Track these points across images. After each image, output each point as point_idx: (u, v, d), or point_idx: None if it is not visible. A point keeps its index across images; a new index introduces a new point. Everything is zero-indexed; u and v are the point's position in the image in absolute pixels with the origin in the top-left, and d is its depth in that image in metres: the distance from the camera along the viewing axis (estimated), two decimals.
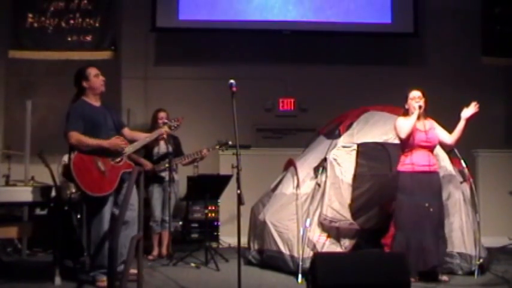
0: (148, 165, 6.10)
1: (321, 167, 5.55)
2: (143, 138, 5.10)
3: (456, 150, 5.66)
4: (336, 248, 5.29)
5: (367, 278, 4.24)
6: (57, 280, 4.86)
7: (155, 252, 6.30)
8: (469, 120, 5.06)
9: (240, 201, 4.22)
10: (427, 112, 5.17)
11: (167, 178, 6.13)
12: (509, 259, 6.06)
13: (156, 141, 5.43)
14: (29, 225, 5.55)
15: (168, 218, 6.15)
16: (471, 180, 5.70)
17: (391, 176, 5.36)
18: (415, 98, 5.10)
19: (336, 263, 4.36)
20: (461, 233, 5.29)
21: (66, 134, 4.75)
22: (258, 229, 5.82)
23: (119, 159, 4.86)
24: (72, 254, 5.47)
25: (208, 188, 6.15)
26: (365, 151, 5.64)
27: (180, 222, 7.31)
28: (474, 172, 7.00)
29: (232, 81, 4.40)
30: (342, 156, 5.61)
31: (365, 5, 8.30)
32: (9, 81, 8.05)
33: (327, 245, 5.29)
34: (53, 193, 5.32)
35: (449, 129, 5.20)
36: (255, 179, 6.49)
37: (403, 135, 5.03)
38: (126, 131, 5.12)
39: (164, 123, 5.49)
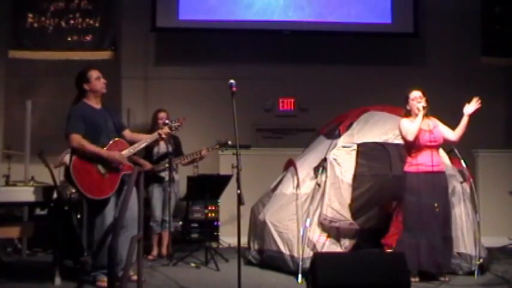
0: (147, 165, 6.09)
1: (321, 167, 5.55)
2: (143, 139, 5.09)
3: (456, 150, 5.66)
4: (336, 248, 5.29)
5: (367, 278, 4.24)
6: (57, 280, 4.86)
7: (155, 252, 6.30)
8: (471, 116, 5.06)
9: (240, 201, 4.22)
10: (429, 111, 5.16)
11: (167, 178, 6.13)
12: (509, 259, 6.06)
13: (156, 141, 5.42)
14: (30, 225, 5.55)
15: (168, 218, 6.15)
16: (471, 180, 5.70)
17: (391, 176, 5.36)
18: (416, 98, 5.09)
19: (336, 263, 4.36)
20: (461, 233, 5.29)
21: (68, 136, 4.75)
22: (258, 229, 5.82)
23: None
24: (72, 254, 5.46)
25: (208, 188, 6.15)
26: (365, 151, 5.64)
27: (180, 222, 7.31)
28: (474, 172, 7.00)
29: (232, 81, 4.40)
30: (342, 156, 5.61)
31: (365, 5, 8.31)
32: (9, 81, 8.05)
33: (327, 245, 5.29)
34: (55, 195, 5.32)
35: (450, 129, 5.21)
36: (255, 179, 6.49)
37: (411, 138, 5.01)
38: (126, 132, 5.11)
39: (165, 124, 5.48)
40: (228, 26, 8.15)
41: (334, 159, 5.56)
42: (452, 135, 5.16)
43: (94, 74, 4.93)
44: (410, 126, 5.03)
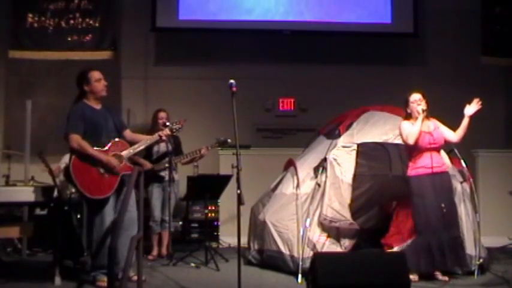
0: (147, 165, 6.09)
1: (321, 167, 5.55)
2: (144, 140, 5.08)
3: (456, 150, 5.66)
4: (336, 248, 5.29)
5: (367, 278, 4.24)
6: (57, 280, 4.86)
7: (155, 252, 6.30)
8: (472, 117, 5.06)
9: (240, 201, 4.22)
10: (429, 112, 5.16)
11: (167, 178, 6.13)
12: (509, 259, 6.06)
13: (156, 142, 5.42)
14: (30, 225, 5.55)
15: (168, 218, 6.15)
16: (471, 180, 5.70)
17: (391, 176, 5.36)
18: (416, 101, 5.09)
19: (336, 263, 4.36)
20: (461, 233, 5.28)
21: (67, 136, 4.74)
22: (258, 229, 5.82)
23: (118, 161, 4.84)
24: (72, 254, 5.46)
25: (208, 188, 6.14)
26: (365, 151, 5.64)
27: (180, 222, 7.31)
28: (474, 172, 7.00)
29: (232, 81, 4.40)
30: (342, 156, 5.61)
31: (365, 5, 8.30)
32: (9, 81, 8.04)
33: (327, 245, 5.29)
34: (55, 193, 5.32)
35: (450, 129, 5.21)
36: (255, 179, 6.49)
37: (412, 142, 5.01)
38: (127, 133, 5.11)
39: (166, 125, 5.47)
40: (228, 26, 8.15)
41: (334, 159, 5.56)
42: (454, 136, 5.16)
43: (95, 75, 4.92)
44: (411, 130, 5.03)
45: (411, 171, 5.08)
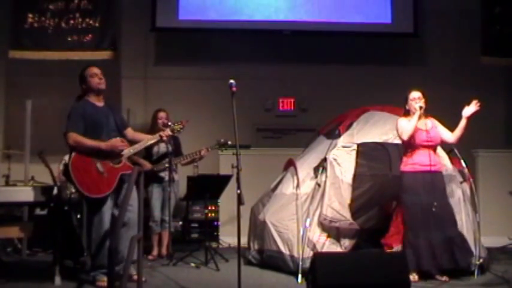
0: (147, 165, 6.10)
1: (320, 167, 5.55)
2: (144, 140, 5.09)
3: (456, 150, 5.66)
4: (336, 248, 5.29)
5: (367, 278, 4.24)
6: (57, 280, 4.86)
7: (155, 252, 6.30)
8: (470, 118, 5.07)
9: (240, 201, 4.22)
10: (428, 111, 5.17)
11: (167, 178, 6.13)
12: (509, 259, 6.06)
13: (156, 142, 5.42)
14: (30, 225, 5.55)
15: (168, 218, 6.15)
16: (471, 180, 5.70)
17: (391, 176, 5.36)
18: (415, 99, 5.11)
19: (336, 263, 4.36)
20: None
21: (66, 134, 4.75)
22: (258, 229, 5.82)
23: (118, 160, 4.85)
24: (72, 254, 5.47)
25: (208, 188, 6.14)
26: (365, 151, 5.64)
27: (180, 222, 7.31)
28: (474, 172, 7.00)
29: (232, 81, 4.40)
30: (342, 156, 5.61)
31: (365, 5, 8.31)
32: (9, 81, 8.05)
33: (327, 245, 5.29)
34: (55, 192, 5.31)
35: (449, 130, 5.20)
36: (255, 179, 6.48)
37: (406, 137, 5.04)
38: (129, 131, 5.10)
39: (166, 126, 5.47)
40: (228, 26, 8.15)
41: (334, 159, 5.56)
42: (451, 137, 5.17)
43: (89, 71, 4.92)
44: (406, 125, 5.05)
45: (404, 167, 5.09)
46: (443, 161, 5.52)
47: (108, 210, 4.78)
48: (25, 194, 5.04)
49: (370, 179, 5.52)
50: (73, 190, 5.81)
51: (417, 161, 5.03)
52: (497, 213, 7.08)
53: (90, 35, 7.93)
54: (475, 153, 7.47)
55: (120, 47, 8.10)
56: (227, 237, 7.08)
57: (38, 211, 6.08)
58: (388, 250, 5.21)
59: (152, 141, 5.16)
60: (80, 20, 7.91)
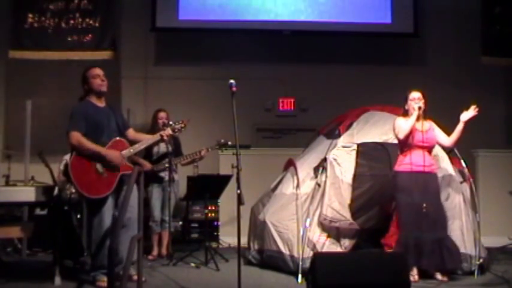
0: (147, 165, 6.09)
1: (321, 167, 5.55)
2: (144, 140, 5.08)
3: (456, 150, 5.66)
4: (336, 248, 5.29)
5: (367, 278, 4.24)
6: (57, 280, 4.85)
7: (155, 252, 6.30)
8: (467, 122, 5.08)
9: (240, 201, 4.22)
10: (427, 113, 5.17)
11: (167, 178, 6.13)
12: (509, 259, 6.06)
13: (156, 142, 5.42)
14: (31, 225, 5.55)
15: (168, 218, 6.15)
16: (471, 180, 5.70)
17: (391, 176, 5.36)
18: (415, 99, 5.11)
19: (336, 263, 4.36)
20: (461, 233, 5.28)
21: (68, 133, 4.75)
22: (258, 229, 5.82)
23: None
24: (72, 254, 5.47)
25: (208, 188, 6.14)
26: (365, 151, 5.65)
27: (180, 222, 7.31)
28: (474, 172, 7.00)
29: (232, 81, 4.40)
30: (342, 156, 5.61)
31: (365, 5, 8.31)
32: (9, 81, 8.05)
33: (327, 245, 5.29)
34: (55, 192, 5.31)
35: (449, 130, 5.21)
36: (255, 179, 6.48)
37: (402, 136, 5.06)
38: (130, 132, 5.10)
39: (167, 125, 5.46)
40: (228, 26, 8.15)
41: (334, 159, 5.56)
42: (447, 140, 5.19)
43: (92, 72, 4.93)
44: (403, 124, 5.06)
45: (399, 167, 5.10)
46: (442, 161, 5.52)
47: (108, 210, 4.78)
48: (25, 194, 5.04)
49: (370, 179, 5.53)
50: (73, 190, 5.81)
51: (411, 161, 5.04)
52: (497, 213, 7.09)
53: (90, 35, 7.94)
54: (475, 153, 7.47)
55: (120, 47, 8.10)
56: (227, 237, 7.08)
57: (38, 211, 6.07)
58: (388, 250, 5.21)
59: (153, 141, 5.15)
60: (80, 20, 7.92)
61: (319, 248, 5.23)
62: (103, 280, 4.70)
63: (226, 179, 6.17)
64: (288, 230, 5.45)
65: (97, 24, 7.95)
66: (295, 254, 5.27)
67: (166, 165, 6.12)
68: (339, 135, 5.81)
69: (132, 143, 5.00)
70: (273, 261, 5.52)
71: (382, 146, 5.67)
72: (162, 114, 6.40)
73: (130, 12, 8.21)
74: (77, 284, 4.88)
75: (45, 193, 5.11)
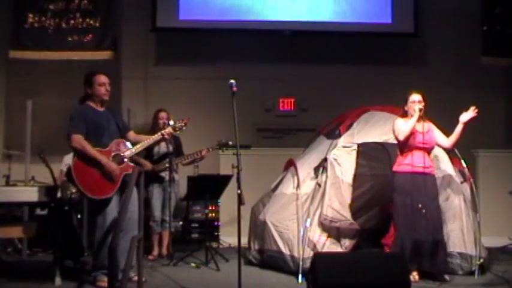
0: (148, 165, 6.10)
1: (321, 167, 5.55)
2: (146, 140, 5.09)
3: (456, 150, 5.66)
4: (336, 248, 5.29)
5: (367, 278, 4.24)
6: (58, 280, 4.86)
7: (155, 252, 6.30)
8: (467, 124, 5.08)
9: (240, 201, 4.22)
10: (427, 114, 5.17)
11: (167, 178, 6.13)
12: (509, 259, 6.06)
13: (157, 142, 5.41)
14: (33, 225, 5.55)
15: (169, 218, 6.15)
16: (471, 180, 5.70)
17: (391, 176, 5.36)
18: (416, 102, 5.10)
19: (336, 263, 4.36)
20: (461, 233, 5.29)
21: (69, 136, 4.76)
22: (258, 229, 5.82)
23: (120, 161, 4.85)
24: (72, 254, 5.47)
25: (208, 188, 6.15)
26: (365, 151, 5.65)
27: (180, 222, 7.30)
28: (474, 172, 6.99)
29: (232, 81, 4.40)
30: (342, 156, 5.61)
31: (365, 5, 8.31)
32: (9, 81, 8.05)
33: (327, 245, 5.29)
34: (56, 192, 5.32)
35: (449, 130, 5.21)
36: (255, 179, 6.48)
37: (402, 138, 5.05)
38: (130, 134, 5.11)
39: (169, 125, 5.46)
40: (229, 26, 8.15)
41: (335, 159, 5.56)
42: (446, 142, 5.19)
43: (99, 79, 4.93)
44: (403, 126, 5.06)
45: (398, 168, 5.10)
46: (441, 164, 5.53)
47: (112, 210, 4.78)
48: (25, 194, 5.04)
49: (370, 179, 5.53)
50: (73, 190, 5.81)
51: (411, 162, 5.03)
52: (497, 213, 7.08)
53: (90, 35, 7.93)
54: (475, 153, 7.47)
55: (120, 47, 8.10)
56: (227, 237, 7.08)
57: (38, 211, 6.07)
58: (388, 250, 5.21)
59: (154, 141, 5.16)
60: (81, 20, 7.91)
61: (319, 248, 5.23)
62: (103, 280, 4.70)
63: (226, 179, 6.17)
64: (288, 230, 5.45)
65: (97, 24, 7.95)
66: (296, 254, 5.27)
67: (167, 165, 6.12)
68: (339, 135, 5.81)
69: (133, 145, 5.00)
70: (273, 261, 5.53)
71: (383, 146, 5.67)
72: (162, 114, 6.39)
73: (131, 12, 8.21)
74: (78, 284, 4.88)
75: (45, 193, 5.10)
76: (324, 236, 5.33)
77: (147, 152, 6.22)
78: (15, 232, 5.44)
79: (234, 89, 4.39)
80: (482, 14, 8.27)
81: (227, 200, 6.75)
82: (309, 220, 5.32)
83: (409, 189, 5.00)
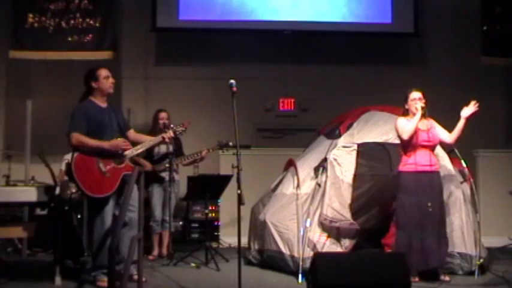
0: (148, 165, 6.10)
1: (321, 167, 5.55)
2: (147, 142, 5.10)
3: (456, 150, 5.66)
4: (336, 248, 5.29)
5: (367, 278, 4.24)
6: (58, 280, 4.86)
7: (155, 252, 6.30)
8: (468, 119, 5.07)
9: (240, 201, 4.22)
10: (428, 111, 5.16)
11: (167, 178, 6.14)
12: (509, 259, 6.06)
13: (158, 143, 5.42)
14: (33, 225, 5.55)
15: (169, 218, 6.15)
16: (471, 180, 5.70)
17: (392, 176, 5.36)
18: (416, 100, 5.10)
19: (336, 263, 4.36)
20: (461, 233, 5.29)
21: (69, 135, 4.76)
22: (258, 229, 5.82)
23: (120, 160, 4.86)
24: (72, 254, 5.47)
25: (208, 188, 6.15)
26: (365, 151, 5.65)
27: (181, 222, 7.31)
28: (474, 172, 6.99)
29: (232, 81, 4.40)
30: (342, 156, 5.61)
31: (365, 5, 8.31)
32: (9, 81, 8.05)
33: (327, 245, 5.29)
34: (57, 192, 5.32)
35: (449, 130, 5.21)
36: (255, 179, 6.49)
37: (406, 137, 5.03)
38: (131, 133, 5.12)
39: (170, 127, 5.47)
40: (228, 26, 8.15)
41: (335, 159, 5.56)
42: (449, 137, 5.17)
43: (103, 72, 4.95)
44: (407, 125, 5.05)
45: (404, 167, 5.09)
46: (442, 161, 5.52)
47: (110, 210, 4.79)
48: (25, 194, 5.04)
49: (370, 179, 5.53)
50: (73, 190, 5.81)
51: (417, 161, 5.02)
52: (497, 213, 7.09)
53: (90, 35, 7.93)
54: (475, 153, 7.48)
55: (120, 47, 8.11)
56: (227, 237, 7.08)
57: (38, 211, 6.07)
58: (388, 250, 5.21)
59: (154, 143, 5.17)
60: (81, 20, 7.91)
61: (319, 248, 5.23)
62: (103, 280, 4.70)
63: (226, 179, 6.17)
64: (288, 230, 5.45)
65: (97, 25, 7.94)
66: (296, 254, 5.27)
67: (167, 165, 6.12)
68: (339, 135, 5.81)
69: (133, 144, 5.01)
70: (273, 261, 5.53)
71: (383, 146, 5.67)
72: (162, 115, 6.40)
73: (131, 13, 8.21)
74: (78, 284, 4.89)
75: (45, 193, 5.11)
76: (324, 236, 5.32)
77: (148, 152, 6.22)
78: (15, 232, 5.44)
79: (234, 89, 4.40)
80: (482, 14, 8.27)
81: (227, 200, 6.75)
82: (309, 220, 5.32)
83: (415, 188, 4.99)
